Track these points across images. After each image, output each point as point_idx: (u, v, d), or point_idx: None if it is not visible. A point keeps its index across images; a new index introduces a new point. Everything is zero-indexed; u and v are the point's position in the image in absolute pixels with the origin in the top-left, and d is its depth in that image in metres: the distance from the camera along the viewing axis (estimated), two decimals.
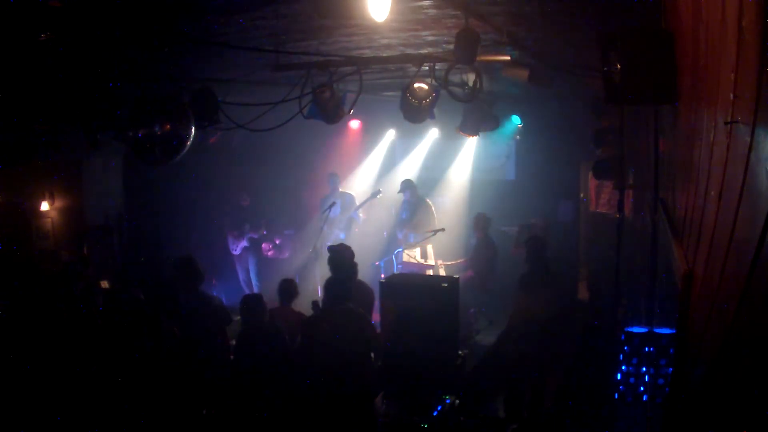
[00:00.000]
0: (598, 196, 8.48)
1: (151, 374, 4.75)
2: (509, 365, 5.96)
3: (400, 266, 8.79)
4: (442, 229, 8.85)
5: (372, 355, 5.41)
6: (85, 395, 4.74)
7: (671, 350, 4.59)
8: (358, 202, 9.83)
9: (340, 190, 9.90)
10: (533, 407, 5.85)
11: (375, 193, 9.63)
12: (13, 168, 7.76)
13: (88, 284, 6.52)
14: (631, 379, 5.00)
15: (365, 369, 5.19)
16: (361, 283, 6.09)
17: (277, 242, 10.20)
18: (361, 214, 9.78)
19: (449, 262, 9.04)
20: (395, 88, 6.22)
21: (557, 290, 6.00)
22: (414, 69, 5.70)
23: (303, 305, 6.26)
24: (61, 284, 6.19)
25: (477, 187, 10.58)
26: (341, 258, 5.73)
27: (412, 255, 8.79)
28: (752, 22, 1.53)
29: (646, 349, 4.89)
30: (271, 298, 6.16)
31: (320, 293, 8.01)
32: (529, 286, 6.05)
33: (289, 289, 6.16)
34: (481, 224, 8.65)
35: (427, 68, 5.64)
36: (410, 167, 11.02)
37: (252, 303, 5.61)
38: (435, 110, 6.17)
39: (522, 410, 5.83)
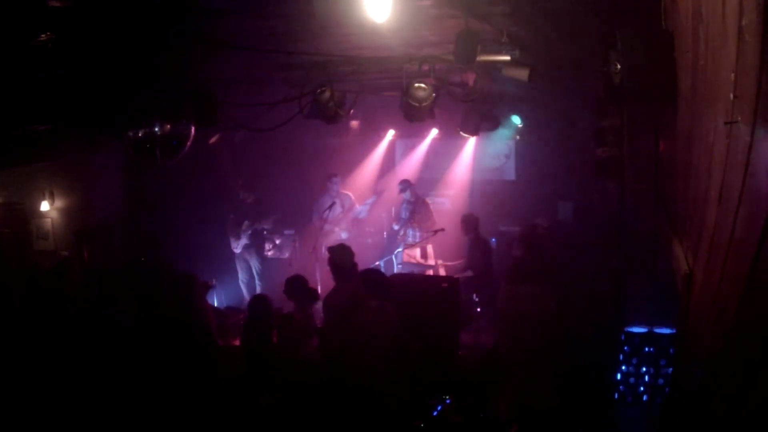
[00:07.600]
0: (598, 195, 8.47)
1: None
2: (506, 366, 5.90)
3: (400, 266, 8.78)
4: (442, 229, 8.83)
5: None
6: (77, 393, 4.75)
7: (671, 350, 4.59)
8: (357, 202, 9.82)
9: (340, 190, 9.89)
10: (532, 407, 5.83)
11: (378, 193, 9.66)
12: (13, 168, 7.75)
13: (82, 281, 6.50)
14: (631, 379, 5.00)
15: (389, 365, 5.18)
16: None
17: (277, 242, 10.18)
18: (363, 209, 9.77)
19: (449, 262, 9.03)
20: (395, 88, 6.21)
21: (552, 285, 5.80)
22: (414, 69, 5.70)
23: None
24: (52, 283, 6.17)
25: (477, 187, 10.56)
26: (341, 258, 5.72)
27: (412, 255, 8.77)
28: (752, 22, 1.53)
29: (646, 349, 4.89)
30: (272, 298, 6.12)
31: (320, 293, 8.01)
32: (515, 278, 5.63)
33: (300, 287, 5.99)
34: (470, 224, 8.58)
35: (427, 68, 5.64)
36: (410, 167, 11.01)
37: (259, 304, 5.60)
38: (435, 110, 6.17)
39: (521, 410, 5.81)
